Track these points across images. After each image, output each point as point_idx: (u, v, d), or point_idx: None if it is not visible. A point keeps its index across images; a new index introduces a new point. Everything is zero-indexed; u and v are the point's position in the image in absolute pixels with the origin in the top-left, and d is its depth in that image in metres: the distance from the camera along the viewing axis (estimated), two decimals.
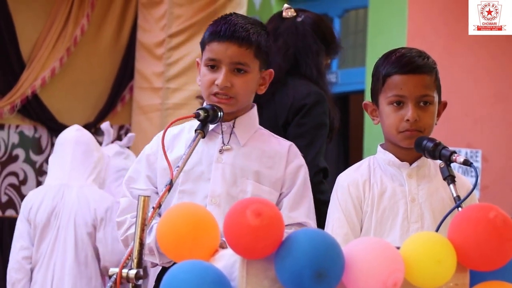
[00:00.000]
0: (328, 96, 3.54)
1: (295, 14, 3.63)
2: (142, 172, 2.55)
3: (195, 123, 2.55)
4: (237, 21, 2.50)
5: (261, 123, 2.71)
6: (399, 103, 2.45)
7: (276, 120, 3.42)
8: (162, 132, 2.50)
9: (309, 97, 3.42)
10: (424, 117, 2.44)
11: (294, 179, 2.56)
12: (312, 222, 2.57)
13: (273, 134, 2.65)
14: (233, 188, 2.49)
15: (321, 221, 2.95)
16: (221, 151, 2.52)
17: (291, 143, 2.64)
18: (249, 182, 2.50)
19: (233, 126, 2.54)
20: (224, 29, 2.47)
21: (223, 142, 2.54)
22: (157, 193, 2.49)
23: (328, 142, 3.60)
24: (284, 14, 3.64)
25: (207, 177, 2.50)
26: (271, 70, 2.62)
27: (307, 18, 3.64)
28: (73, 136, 4.18)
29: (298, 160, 2.59)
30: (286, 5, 3.64)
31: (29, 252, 4.04)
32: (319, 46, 3.59)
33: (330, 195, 2.55)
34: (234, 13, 2.60)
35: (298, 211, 2.53)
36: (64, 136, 4.23)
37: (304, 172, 2.58)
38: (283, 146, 2.59)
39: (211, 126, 2.46)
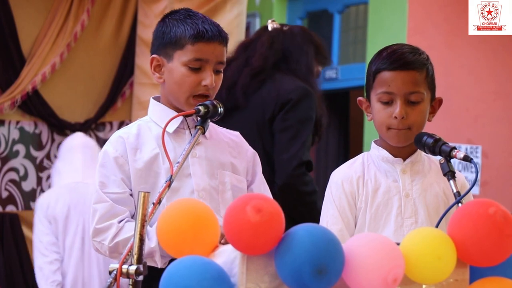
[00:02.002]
0: (316, 94, 3.58)
1: (279, 26, 3.71)
2: (112, 175, 2.47)
3: (147, 119, 2.56)
4: (211, 20, 2.55)
5: (247, 113, 2.72)
6: (388, 100, 2.44)
7: (263, 114, 3.46)
8: (120, 133, 2.51)
9: (295, 92, 3.47)
10: (412, 114, 2.43)
11: (254, 167, 2.64)
12: None
13: (216, 125, 2.67)
14: (213, 180, 2.52)
15: (307, 211, 2.98)
16: None
17: (238, 132, 2.70)
18: (226, 173, 2.54)
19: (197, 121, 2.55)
20: (209, 29, 2.49)
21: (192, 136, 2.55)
22: (131, 195, 2.47)
23: (318, 141, 3.64)
24: (269, 28, 3.70)
25: (187, 173, 2.50)
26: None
27: (294, 28, 3.73)
28: (81, 142, 4.44)
29: (250, 148, 2.68)
30: (270, 20, 3.73)
31: (57, 247, 4.15)
32: (308, 47, 3.63)
33: (314, 186, 2.56)
34: (191, 10, 2.62)
35: None
36: (70, 142, 4.46)
37: (259, 159, 2.68)
38: (235, 136, 2.67)
39: (176, 123, 2.48)
